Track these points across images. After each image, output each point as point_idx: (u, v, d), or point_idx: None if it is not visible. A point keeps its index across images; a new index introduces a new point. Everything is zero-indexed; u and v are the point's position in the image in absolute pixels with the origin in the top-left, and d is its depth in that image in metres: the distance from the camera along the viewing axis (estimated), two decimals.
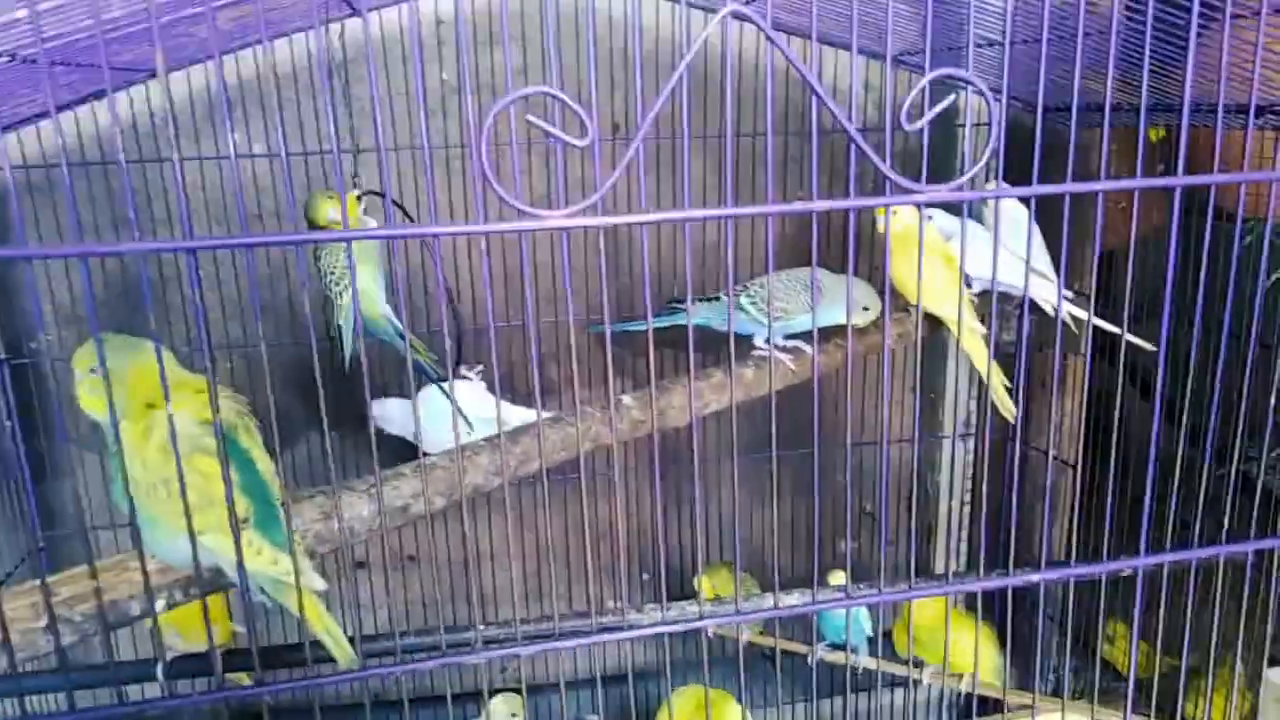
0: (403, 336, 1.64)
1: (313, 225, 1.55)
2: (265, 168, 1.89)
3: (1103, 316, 1.60)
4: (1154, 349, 0.94)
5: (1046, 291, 1.66)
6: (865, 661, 1.87)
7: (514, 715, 1.85)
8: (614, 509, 2.05)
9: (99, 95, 1.63)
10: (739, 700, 1.88)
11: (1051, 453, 1.72)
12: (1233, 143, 1.57)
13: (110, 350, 0.99)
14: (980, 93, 0.82)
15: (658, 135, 1.92)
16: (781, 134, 1.98)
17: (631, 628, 0.95)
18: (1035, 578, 0.94)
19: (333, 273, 1.55)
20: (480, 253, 1.95)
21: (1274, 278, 1.65)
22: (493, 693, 1.91)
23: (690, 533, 2.11)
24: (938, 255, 1.51)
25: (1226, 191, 0.97)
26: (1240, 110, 1.37)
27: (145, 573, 0.82)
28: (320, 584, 0.99)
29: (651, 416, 1.23)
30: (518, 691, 1.87)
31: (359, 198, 1.56)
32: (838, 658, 1.89)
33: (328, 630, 0.99)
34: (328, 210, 1.53)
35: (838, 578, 1.75)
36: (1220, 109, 0.89)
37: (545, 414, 1.36)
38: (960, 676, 1.86)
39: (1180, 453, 1.01)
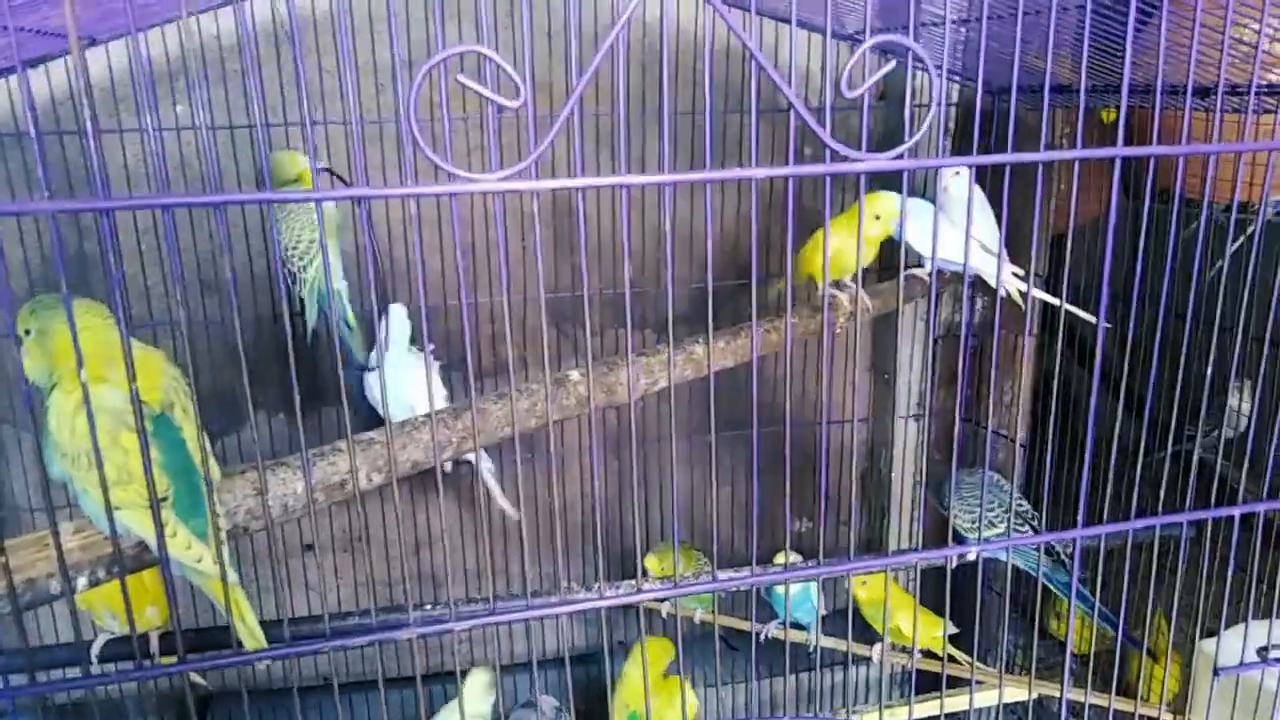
0: (348, 321, 1.62)
1: (281, 186, 1.52)
2: (224, 140, 1.84)
3: (1053, 296, 1.61)
4: (1093, 320, 0.94)
5: (993, 268, 1.67)
6: (812, 638, 1.88)
7: (490, 690, 1.83)
8: (561, 487, 2.04)
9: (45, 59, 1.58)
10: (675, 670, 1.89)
11: (998, 430, 1.73)
12: (1191, 125, 1.58)
13: (50, 312, 0.97)
14: (920, 61, 0.81)
15: (598, 109, 1.90)
16: (731, 112, 1.97)
17: (569, 604, 0.94)
18: (972, 550, 0.94)
19: (296, 246, 1.51)
20: (419, 225, 1.93)
21: (1217, 265, 1.67)
22: (464, 673, 1.88)
23: (642, 513, 2.10)
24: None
25: (1175, 173, 0.98)
26: (1184, 91, 1.38)
27: (59, 549, 0.79)
28: (217, 573, 0.97)
29: (589, 388, 1.22)
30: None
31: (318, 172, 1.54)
32: (789, 635, 1.90)
33: (241, 616, 0.97)
34: (297, 164, 1.49)
35: (784, 557, 1.76)
36: (1159, 88, 0.89)
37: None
38: (908, 650, 1.87)
39: (1118, 428, 1.02)
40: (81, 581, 0.97)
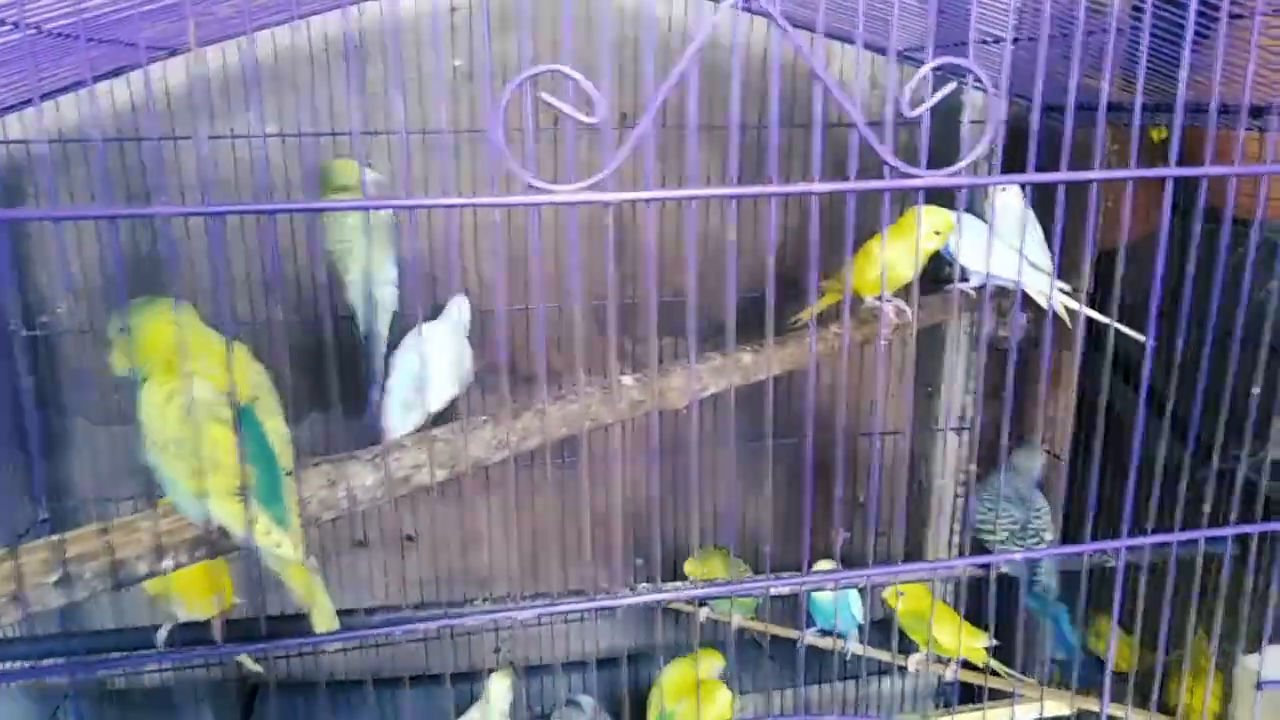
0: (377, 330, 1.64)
1: (334, 193, 1.55)
2: (277, 148, 1.91)
3: (1100, 313, 1.63)
4: (1142, 338, 0.97)
5: (1042, 284, 1.69)
6: (854, 648, 1.90)
7: (512, 691, 1.88)
8: (609, 493, 2.08)
9: (118, 72, 1.65)
10: (725, 679, 1.92)
11: (1045, 447, 1.75)
12: (1244, 144, 1.59)
13: (141, 310, 1.03)
14: (979, 82, 0.84)
15: (664, 123, 1.94)
16: (786, 126, 2.00)
17: (626, 599, 0.98)
18: (1018, 556, 0.96)
19: (342, 243, 1.55)
20: (490, 233, 1.97)
21: (1268, 285, 1.67)
22: (489, 671, 1.94)
23: (685, 517, 2.13)
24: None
25: (1228, 193, 0.99)
26: (1238, 110, 1.39)
27: (157, 531, 0.85)
28: (297, 557, 1.02)
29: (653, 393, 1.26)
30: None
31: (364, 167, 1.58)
32: (827, 643, 1.92)
33: (314, 597, 1.03)
34: (345, 174, 1.53)
35: (826, 566, 1.78)
36: (1199, 105, 0.92)
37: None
38: (947, 662, 1.89)
39: (1167, 446, 1.03)
40: (168, 563, 1.03)
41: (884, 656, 1.88)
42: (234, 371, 1.03)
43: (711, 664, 1.91)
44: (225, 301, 0.73)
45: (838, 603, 1.87)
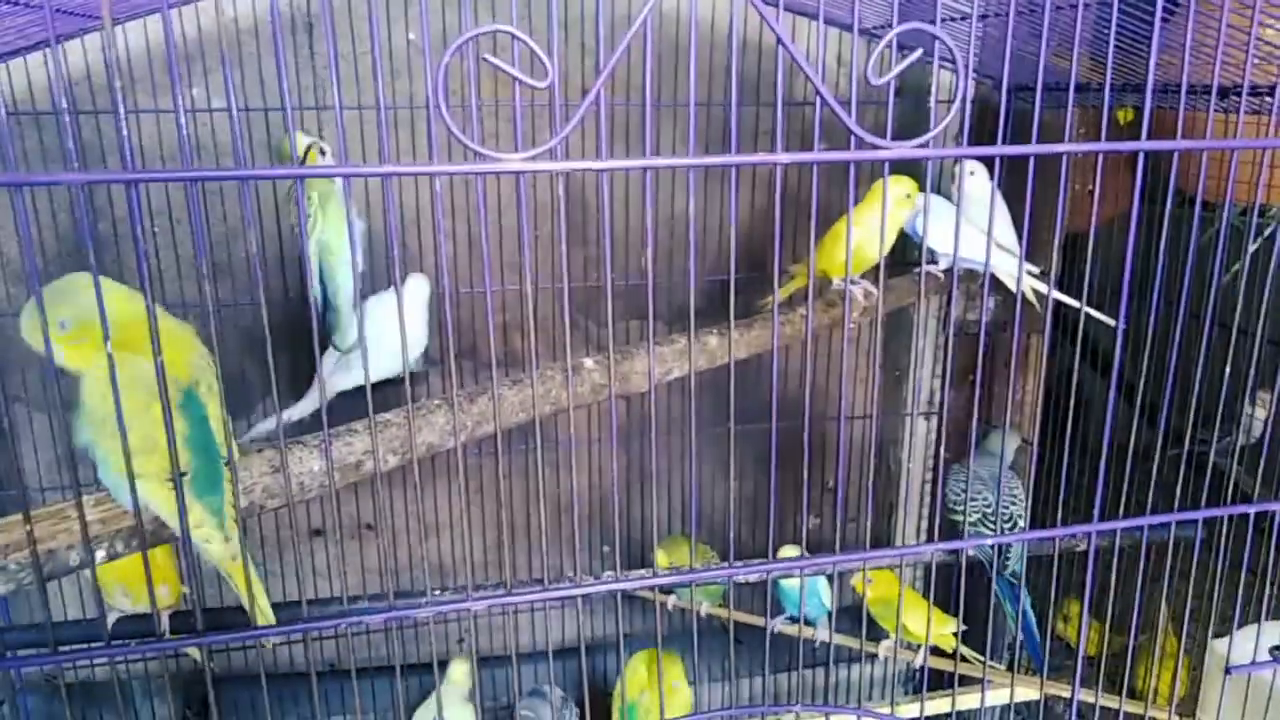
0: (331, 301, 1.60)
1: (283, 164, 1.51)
2: (224, 123, 1.84)
3: (1067, 296, 1.61)
4: (1112, 322, 0.94)
5: (1011, 266, 1.67)
6: (823, 635, 1.88)
7: (471, 677, 1.86)
8: (570, 477, 2.04)
9: (48, 43, 1.58)
10: (684, 666, 1.90)
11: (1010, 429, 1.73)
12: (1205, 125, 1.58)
13: (78, 291, 0.96)
14: (948, 56, 0.81)
15: (613, 97, 1.89)
16: (745, 105, 1.97)
17: (583, 588, 0.94)
18: (987, 541, 0.94)
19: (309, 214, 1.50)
20: (454, 214, 1.92)
21: (1234, 269, 1.67)
22: (444, 664, 1.90)
23: (652, 505, 2.10)
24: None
25: (1193, 176, 0.97)
26: (1205, 91, 1.38)
27: (83, 520, 0.79)
28: (225, 553, 0.98)
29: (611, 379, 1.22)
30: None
31: (321, 150, 1.52)
32: (795, 630, 1.90)
33: (250, 592, 0.98)
34: (296, 143, 1.48)
35: (791, 552, 1.76)
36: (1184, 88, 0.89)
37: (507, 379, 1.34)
38: (917, 648, 1.87)
39: (1135, 430, 1.01)
40: (100, 554, 0.97)
41: (853, 644, 1.86)
42: (177, 352, 0.98)
43: (670, 669, 1.89)
44: (146, 275, 0.68)
45: (805, 589, 1.85)
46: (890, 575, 1.73)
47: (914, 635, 1.82)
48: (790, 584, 1.84)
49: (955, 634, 1.83)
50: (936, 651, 1.85)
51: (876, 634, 1.90)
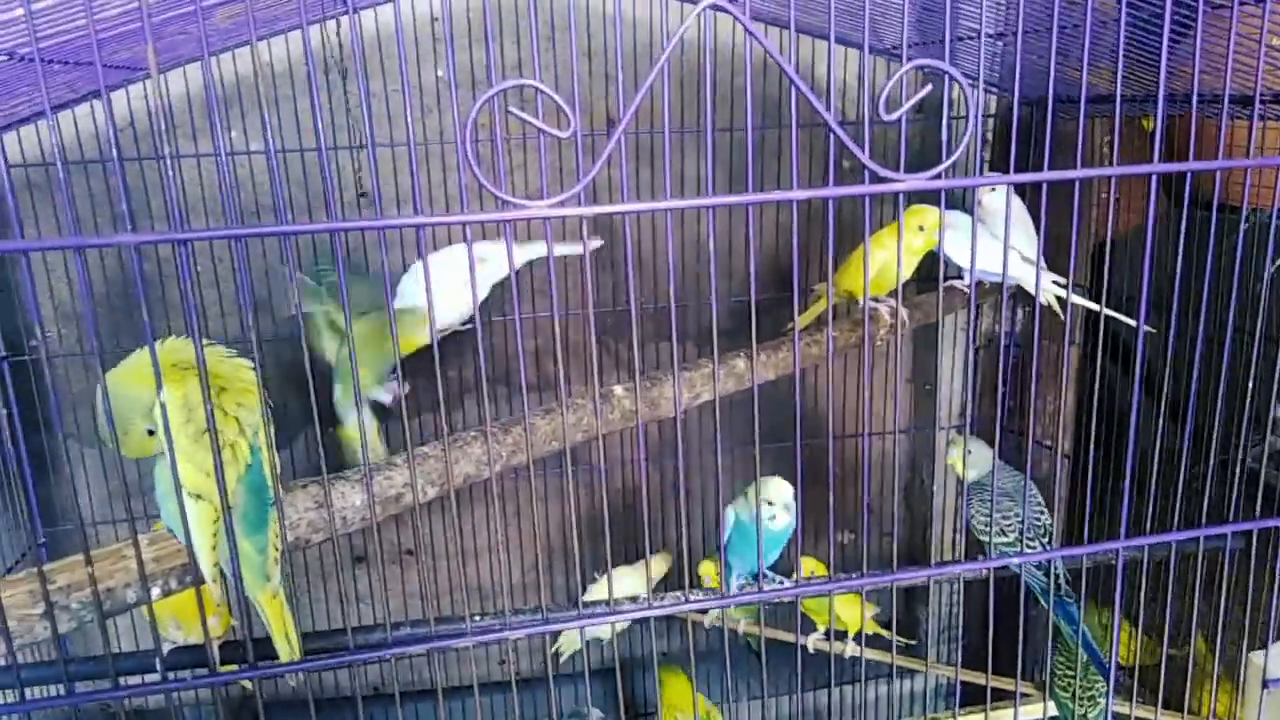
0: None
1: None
2: (263, 165, 1.90)
3: (1092, 302, 1.61)
4: (1132, 323, 0.95)
5: (1033, 279, 1.68)
6: (852, 650, 1.89)
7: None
8: (604, 500, 2.07)
9: (97, 94, 1.65)
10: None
11: (1041, 441, 1.73)
12: (1234, 136, 1.58)
13: (132, 381, 1.01)
14: (956, 82, 0.83)
15: (638, 129, 1.93)
16: (767, 128, 1.99)
17: (620, 613, 0.96)
18: (1014, 560, 0.95)
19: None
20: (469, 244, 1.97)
21: (1272, 269, 1.66)
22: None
23: (685, 524, 2.13)
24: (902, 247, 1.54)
25: (1214, 182, 0.98)
26: (1217, 100, 1.38)
27: (140, 560, 0.83)
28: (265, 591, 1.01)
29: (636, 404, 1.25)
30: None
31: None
32: (826, 646, 1.91)
33: (283, 624, 1.02)
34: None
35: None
36: (1195, 98, 0.90)
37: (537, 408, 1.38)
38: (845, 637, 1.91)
39: (1160, 439, 1.02)
40: (155, 591, 1.02)
41: (900, 661, 1.88)
42: (250, 396, 1.02)
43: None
44: (196, 328, 0.72)
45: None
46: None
47: (842, 623, 1.88)
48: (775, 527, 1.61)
49: (875, 618, 1.94)
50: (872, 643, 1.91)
51: (807, 629, 1.95)
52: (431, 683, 2.16)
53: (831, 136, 0.83)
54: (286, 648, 1.02)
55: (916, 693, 2.45)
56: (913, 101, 0.82)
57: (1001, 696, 1.76)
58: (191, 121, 1.86)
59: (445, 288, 1.51)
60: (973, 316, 1.31)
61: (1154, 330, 1.00)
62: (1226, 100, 0.94)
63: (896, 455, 2.29)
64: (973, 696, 2.07)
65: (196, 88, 1.82)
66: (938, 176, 0.85)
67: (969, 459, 1.56)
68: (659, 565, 1.93)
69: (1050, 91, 0.90)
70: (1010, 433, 2.12)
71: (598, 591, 1.93)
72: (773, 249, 2.15)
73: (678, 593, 1.22)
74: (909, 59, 0.83)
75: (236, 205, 0.73)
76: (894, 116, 0.81)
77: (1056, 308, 1.67)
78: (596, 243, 1.65)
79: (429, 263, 0.81)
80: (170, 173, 0.74)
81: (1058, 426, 1.99)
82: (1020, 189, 1.64)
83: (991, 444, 1.60)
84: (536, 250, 1.59)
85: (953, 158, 0.83)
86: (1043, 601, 1.48)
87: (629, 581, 1.86)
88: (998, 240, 1.66)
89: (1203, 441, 1.16)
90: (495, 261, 1.61)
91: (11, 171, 1.73)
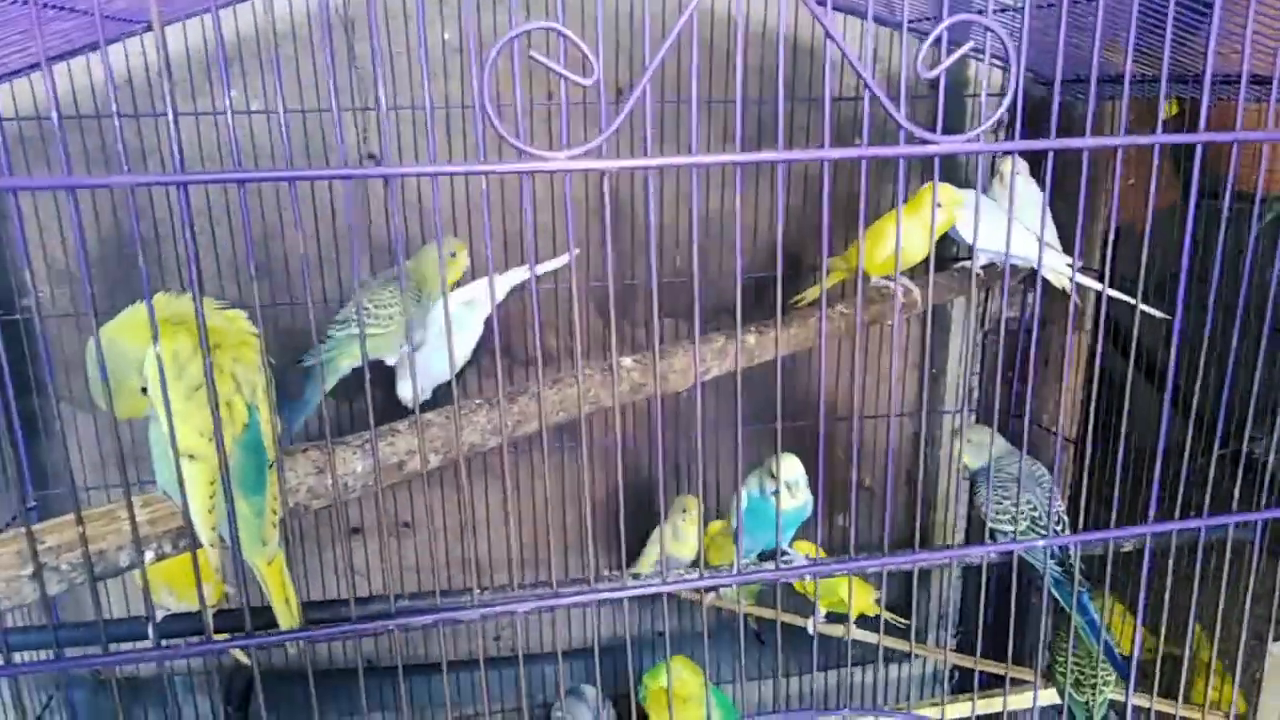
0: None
1: (424, 286, 1.58)
2: (263, 126, 1.86)
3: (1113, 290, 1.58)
4: (1133, 301, 0.92)
5: (1053, 262, 1.64)
6: (859, 634, 1.86)
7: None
8: (605, 476, 2.04)
9: (95, 47, 1.60)
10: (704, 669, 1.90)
11: (1048, 426, 1.70)
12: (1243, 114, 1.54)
13: (130, 336, 0.98)
14: (999, 41, 0.79)
15: (663, 98, 1.88)
16: (791, 100, 1.95)
17: (629, 589, 0.93)
18: (1039, 544, 0.92)
19: (370, 314, 1.47)
20: (479, 208, 1.93)
21: None
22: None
23: (701, 493, 2.09)
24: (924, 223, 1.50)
25: (1247, 171, 0.94)
26: (1258, 81, 1.34)
27: (134, 520, 0.80)
28: (269, 553, 0.98)
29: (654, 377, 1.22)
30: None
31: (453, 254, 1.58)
32: (834, 630, 1.88)
33: (281, 594, 0.98)
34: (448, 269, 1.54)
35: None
36: (1206, 78, 0.87)
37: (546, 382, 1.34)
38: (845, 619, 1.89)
39: (1165, 428, 0.99)
40: (149, 555, 0.98)
41: (891, 644, 1.85)
42: (252, 353, 0.98)
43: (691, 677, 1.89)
44: (194, 276, 0.68)
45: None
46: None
47: (841, 607, 1.85)
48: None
49: (877, 601, 1.88)
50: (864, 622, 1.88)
51: (805, 611, 1.91)
52: (440, 655, 2.15)
53: (866, 102, 0.80)
54: (287, 614, 0.99)
55: (914, 676, 2.43)
56: (953, 58, 0.78)
57: (999, 682, 1.75)
58: (191, 79, 1.81)
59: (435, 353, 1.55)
60: (987, 299, 1.27)
61: (1133, 301, 0.96)
62: (1245, 79, 0.91)
63: (903, 438, 2.26)
64: (969, 682, 2.05)
65: (195, 44, 1.77)
66: (975, 140, 0.81)
67: (976, 446, 1.53)
68: (692, 520, 1.87)
69: (1058, 65, 0.86)
70: (1017, 418, 2.09)
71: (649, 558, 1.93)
72: (784, 223, 2.11)
73: (688, 570, 1.19)
74: (946, 20, 0.79)
75: (236, 158, 0.70)
76: (933, 74, 0.77)
77: (1067, 287, 1.63)
78: (575, 253, 1.66)
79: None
80: (172, 116, 0.70)
81: (1063, 412, 1.97)
82: (1040, 174, 1.60)
83: (1004, 430, 1.57)
84: (519, 275, 1.62)
85: (991, 119, 0.80)
86: (1054, 593, 1.45)
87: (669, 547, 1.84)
88: (1019, 224, 1.63)
89: (1205, 432, 1.13)
90: (484, 300, 1.62)
91: (4, 124, 1.69)
